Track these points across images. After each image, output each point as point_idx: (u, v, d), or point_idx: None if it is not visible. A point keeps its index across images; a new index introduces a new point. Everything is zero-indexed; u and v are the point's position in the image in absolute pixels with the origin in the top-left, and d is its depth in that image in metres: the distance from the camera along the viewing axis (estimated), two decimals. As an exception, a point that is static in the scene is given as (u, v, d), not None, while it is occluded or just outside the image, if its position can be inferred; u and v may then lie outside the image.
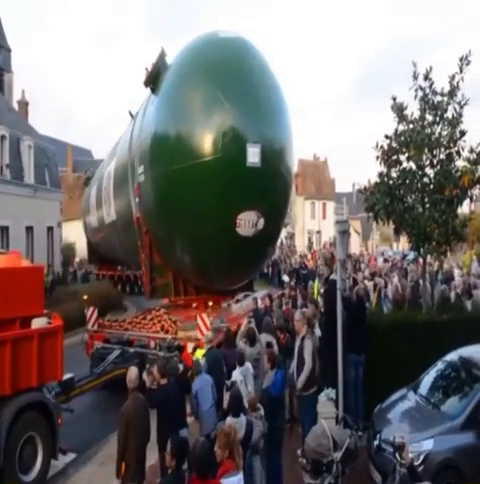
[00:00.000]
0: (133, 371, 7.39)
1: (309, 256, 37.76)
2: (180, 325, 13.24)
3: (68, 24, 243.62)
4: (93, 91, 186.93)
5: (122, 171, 18.97)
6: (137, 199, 15.91)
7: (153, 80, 15.04)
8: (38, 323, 8.70)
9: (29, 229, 28.90)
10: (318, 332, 9.98)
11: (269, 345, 10.09)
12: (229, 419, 6.68)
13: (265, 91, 14.10)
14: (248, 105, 13.39)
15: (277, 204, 14.63)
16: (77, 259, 42.23)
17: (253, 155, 13.12)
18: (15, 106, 33.70)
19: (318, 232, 64.49)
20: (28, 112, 33.84)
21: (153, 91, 15.22)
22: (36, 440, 8.47)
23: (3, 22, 43.01)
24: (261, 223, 13.69)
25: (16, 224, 27.20)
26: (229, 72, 13.68)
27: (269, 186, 13.68)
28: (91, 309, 14.14)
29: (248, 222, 13.53)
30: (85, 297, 14.99)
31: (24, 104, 33.64)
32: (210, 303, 14.76)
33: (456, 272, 23.41)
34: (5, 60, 38.07)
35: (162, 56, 15.06)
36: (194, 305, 15.92)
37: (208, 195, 13.25)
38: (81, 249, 41.23)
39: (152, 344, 12.80)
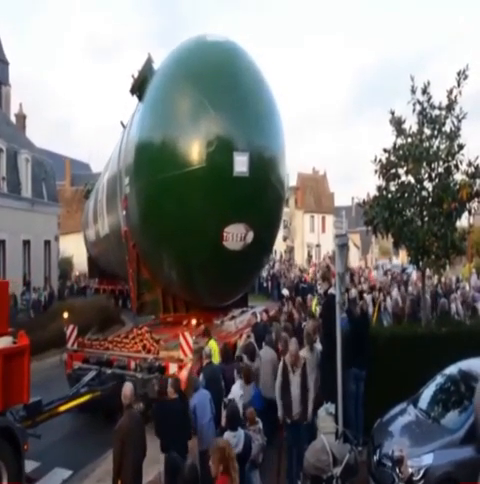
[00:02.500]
0: (128, 387, 7.28)
1: (309, 270, 37.55)
2: (163, 344, 12.42)
3: (66, 36, 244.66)
4: (92, 104, 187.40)
5: (113, 183, 18.31)
6: (124, 212, 15.28)
7: (139, 87, 14.47)
8: (2, 343, 8.20)
9: (26, 243, 28.78)
10: (319, 346, 9.88)
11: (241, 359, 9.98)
12: (227, 433, 6.62)
13: (254, 97, 13.30)
14: (235, 111, 12.64)
15: (267, 216, 13.77)
16: (77, 273, 41.95)
17: (240, 164, 12.33)
18: (12, 119, 33.62)
19: (317, 246, 64.31)
20: (26, 125, 33.80)
21: (140, 99, 14.66)
22: (0, 468, 7.83)
23: (1, 35, 43.24)
24: (250, 236, 12.91)
25: (13, 238, 27.13)
26: (215, 77, 12.91)
27: (258, 197, 12.91)
28: (70, 327, 13.25)
29: (236, 235, 12.74)
30: (65, 315, 14.07)
31: (21, 117, 33.52)
32: (193, 321, 13.36)
33: (460, 284, 23.45)
34: (3, 73, 38.11)
35: (149, 62, 14.42)
36: (184, 322, 14.77)
37: (193, 207, 12.57)
38: (79, 263, 41.06)
39: (132, 364, 11.89)
